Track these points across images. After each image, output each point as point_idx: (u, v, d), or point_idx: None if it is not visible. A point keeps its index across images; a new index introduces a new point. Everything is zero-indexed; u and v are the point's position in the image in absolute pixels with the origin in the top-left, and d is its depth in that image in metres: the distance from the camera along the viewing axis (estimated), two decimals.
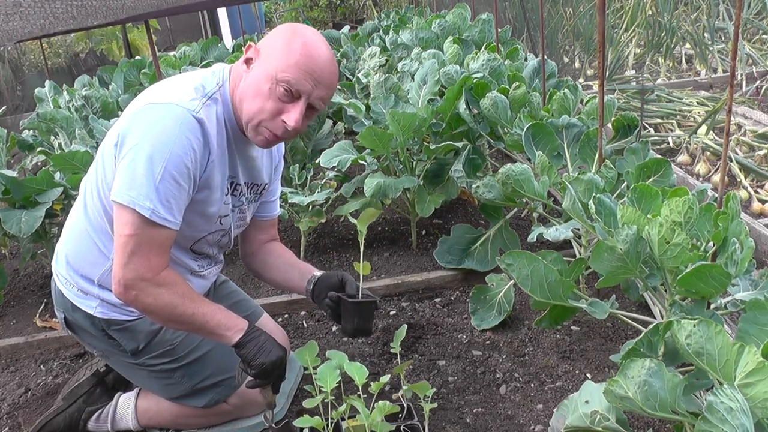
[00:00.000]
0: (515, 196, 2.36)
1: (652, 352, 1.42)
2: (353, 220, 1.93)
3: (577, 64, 6.12)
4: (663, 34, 5.81)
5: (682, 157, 3.76)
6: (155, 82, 1.82)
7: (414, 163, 2.92)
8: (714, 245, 1.73)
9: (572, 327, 2.35)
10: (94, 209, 1.70)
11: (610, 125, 2.71)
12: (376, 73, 3.38)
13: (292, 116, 1.57)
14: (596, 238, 1.84)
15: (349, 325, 1.82)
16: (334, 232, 3.30)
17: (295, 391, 2.07)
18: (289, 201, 2.75)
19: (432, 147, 2.78)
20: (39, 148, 3.36)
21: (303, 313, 2.63)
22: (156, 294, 1.56)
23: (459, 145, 2.78)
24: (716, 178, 3.43)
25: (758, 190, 3.32)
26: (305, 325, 2.55)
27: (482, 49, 3.52)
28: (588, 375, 2.10)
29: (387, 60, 4.22)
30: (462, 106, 2.86)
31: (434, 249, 2.76)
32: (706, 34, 5.77)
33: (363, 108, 3.01)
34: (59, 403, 1.97)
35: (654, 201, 1.77)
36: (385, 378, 1.79)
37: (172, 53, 5.11)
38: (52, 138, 3.47)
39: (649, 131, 4.27)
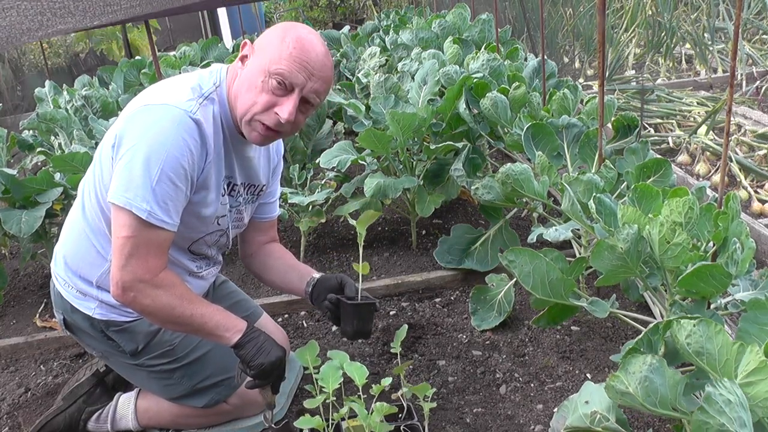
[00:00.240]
0: (515, 196, 2.36)
1: (652, 352, 1.42)
2: (353, 222, 1.93)
3: (577, 64, 6.12)
4: (663, 34, 5.81)
5: (682, 157, 3.76)
6: (155, 82, 1.81)
7: (414, 163, 2.92)
8: (714, 245, 1.73)
9: (572, 327, 2.35)
10: (92, 211, 1.70)
11: (610, 125, 2.71)
12: (376, 73, 3.38)
13: (286, 108, 1.56)
14: (596, 239, 1.84)
15: (349, 327, 1.81)
16: (334, 232, 3.30)
17: (295, 391, 2.07)
18: (289, 201, 2.75)
19: (432, 147, 2.78)
20: (39, 148, 3.36)
21: (303, 313, 2.63)
22: (154, 295, 1.56)
23: (459, 145, 2.78)
24: (716, 178, 3.43)
25: (758, 190, 3.32)
26: (305, 325, 2.55)
27: (482, 49, 3.52)
28: (588, 375, 2.10)
29: (387, 60, 4.22)
30: (462, 106, 2.86)
31: (434, 249, 2.76)
32: (706, 34, 5.77)
33: (363, 108, 3.01)
34: (59, 403, 1.97)
35: (654, 201, 1.77)
36: (387, 380, 1.79)
37: (172, 53, 5.11)
38: (52, 138, 3.47)
39: (649, 131, 4.27)
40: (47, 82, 4.38)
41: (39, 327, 2.68)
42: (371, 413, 1.65)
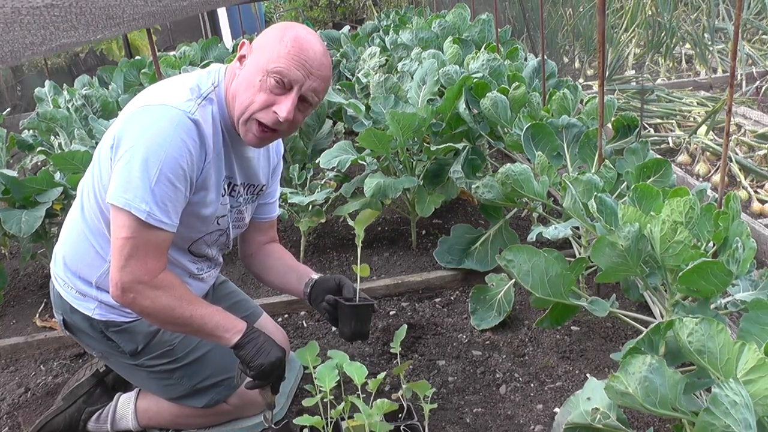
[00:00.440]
0: (515, 196, 2.36)
1: (653, 351, 1.42)
2: (352, 222, 1.92)
3: (577, 64, 6.12)
4: (663, 34, 5.81)
5: (682, 157, 3.76)
6: (155, 82, 1.81)
7: (414, 163, 2.92)
8: (714, 245, 1.73)
9: (572, 327, 2.35)
10: (91, 211, 1.70)
11: (610, 125, 2.71)
12: (376, 73, 3.38)
13: (284, 107, 1.56)
14: (596, 238, 1.84)
15: (347, 328, 1.81)
16: (333, 232, 3.30)
17: (295, 391, 2.07)
18: (289, 201, 2.75)
19: (432, 149, 2.78)
20: (39, 148, 3.36)
21: (303, 313, 2.63)
22: (153, 297, 1.56)
23: (459, 146, 2.78)
24: (716, 178, 3.43)
25: (758, 190, 3.32)
26: (305, 325, 2.55)
27: (482, 49, 3.53)
28: (588, 375, 2.10)
29: (387, 60, 4.22)
30: (462, 106, 2.86)
31: (434, 249, 2.76)
32: (706, 34, 5.77)
33: (363, 108, 3.01)
34: (59, 403, 1.97)
35: (655, 201, 1.77)
36: (381, 375, 1.79)
37: (172, 53, 5.11)
38: (52, 138, 3.47)
39: (649, 131, 4.27)
40: (47, 82, 4.38)
41: (39, 327, 2.68)
42: (371, 408, 1.65)
